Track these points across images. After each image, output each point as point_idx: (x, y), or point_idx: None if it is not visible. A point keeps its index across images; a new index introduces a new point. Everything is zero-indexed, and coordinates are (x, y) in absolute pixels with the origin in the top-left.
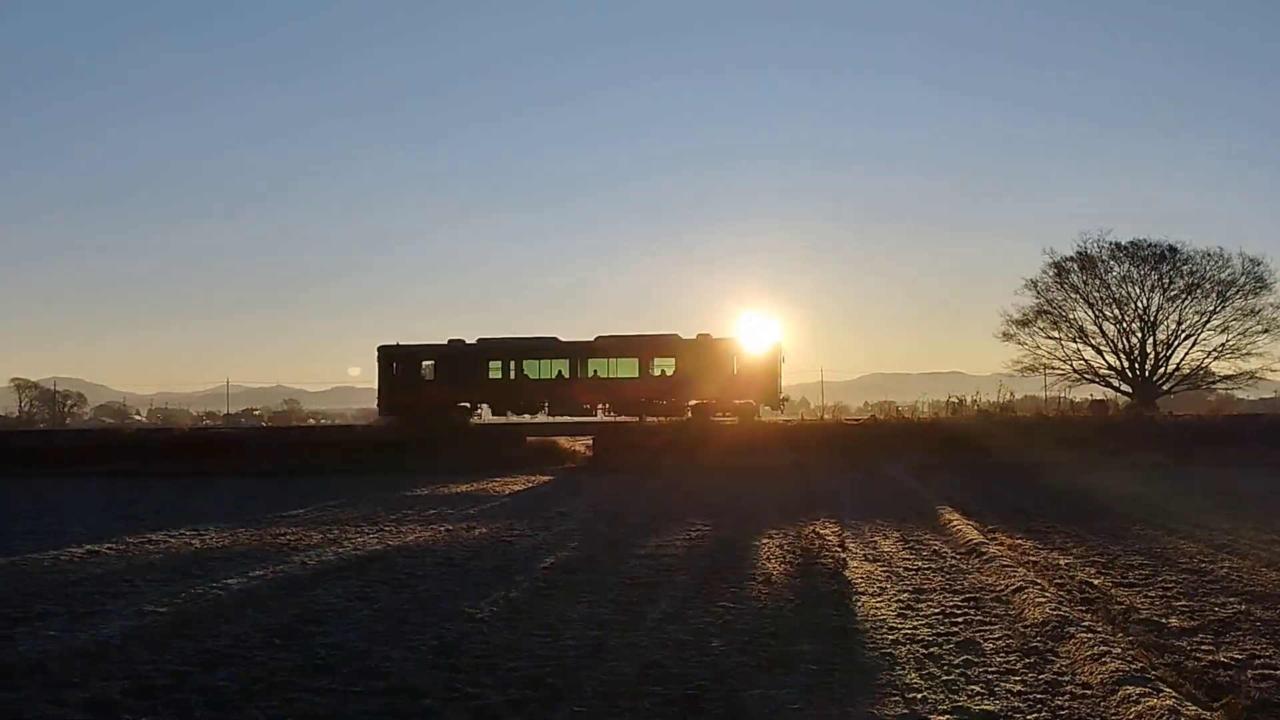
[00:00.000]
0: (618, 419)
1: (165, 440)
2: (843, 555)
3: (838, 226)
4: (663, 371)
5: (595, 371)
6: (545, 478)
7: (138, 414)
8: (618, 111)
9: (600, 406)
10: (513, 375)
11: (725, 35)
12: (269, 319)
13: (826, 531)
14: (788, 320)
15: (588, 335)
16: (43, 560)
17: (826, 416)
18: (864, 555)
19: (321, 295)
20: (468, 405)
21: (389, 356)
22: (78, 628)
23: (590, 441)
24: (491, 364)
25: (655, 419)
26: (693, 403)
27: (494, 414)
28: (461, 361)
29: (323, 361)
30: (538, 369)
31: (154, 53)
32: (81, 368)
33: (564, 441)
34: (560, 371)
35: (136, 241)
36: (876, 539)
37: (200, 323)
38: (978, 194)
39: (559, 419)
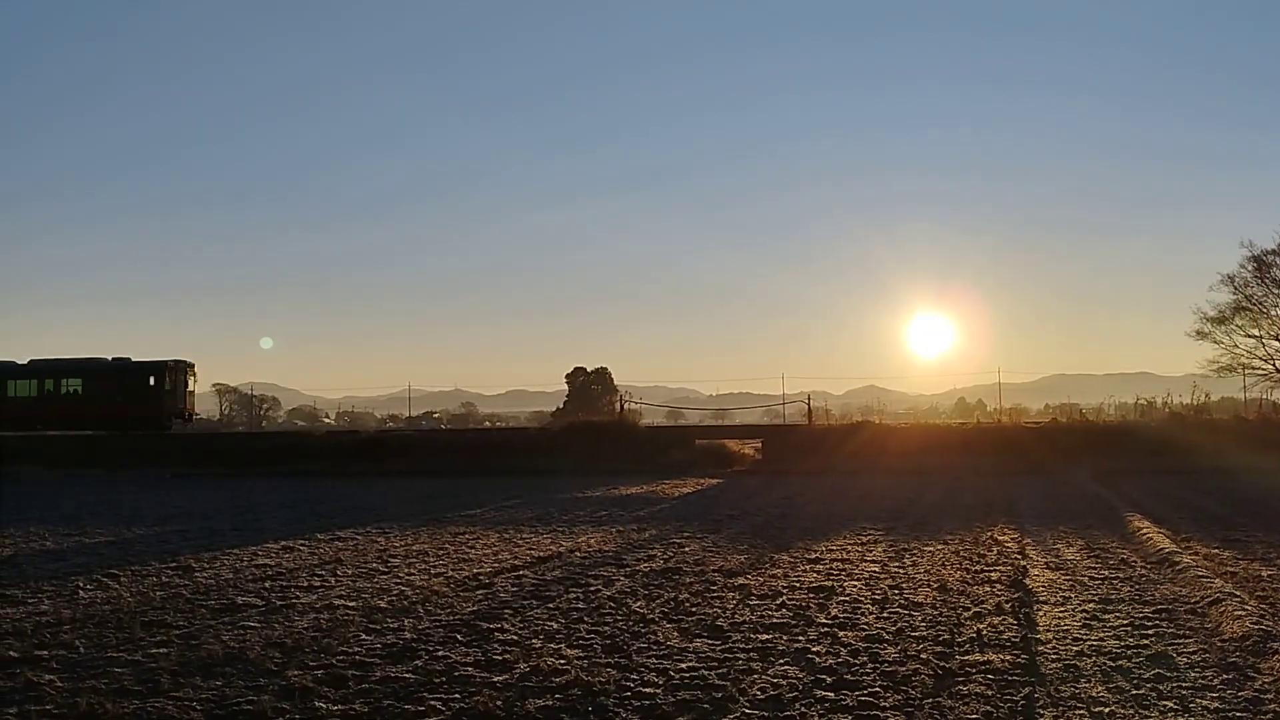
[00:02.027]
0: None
1: (352, 442)
2: (1022, 563)
3: (1015, 228)
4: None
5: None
6: (714, 480)
7: (327, 417)
8: (782, 119)
9: None
10: None
11: (884, 44)
12: (447, 324)
13: (1005, 538)
14: (963, 321)
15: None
16: (243, 555)
17: (1004, 419)
18: (1045, 563)
19: (497, 300)
20: None
21: None
22: (274, 619)
23: (759, 444)
24: None
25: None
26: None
27: None
28: None
29: (498, 366)
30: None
31: (316, 45)
32: (276, 373)
33: (733, 444)
34: None
35: (323, 251)
36: (1059, 546)
37: (383, 329)
38: (1163, 189)
39: None
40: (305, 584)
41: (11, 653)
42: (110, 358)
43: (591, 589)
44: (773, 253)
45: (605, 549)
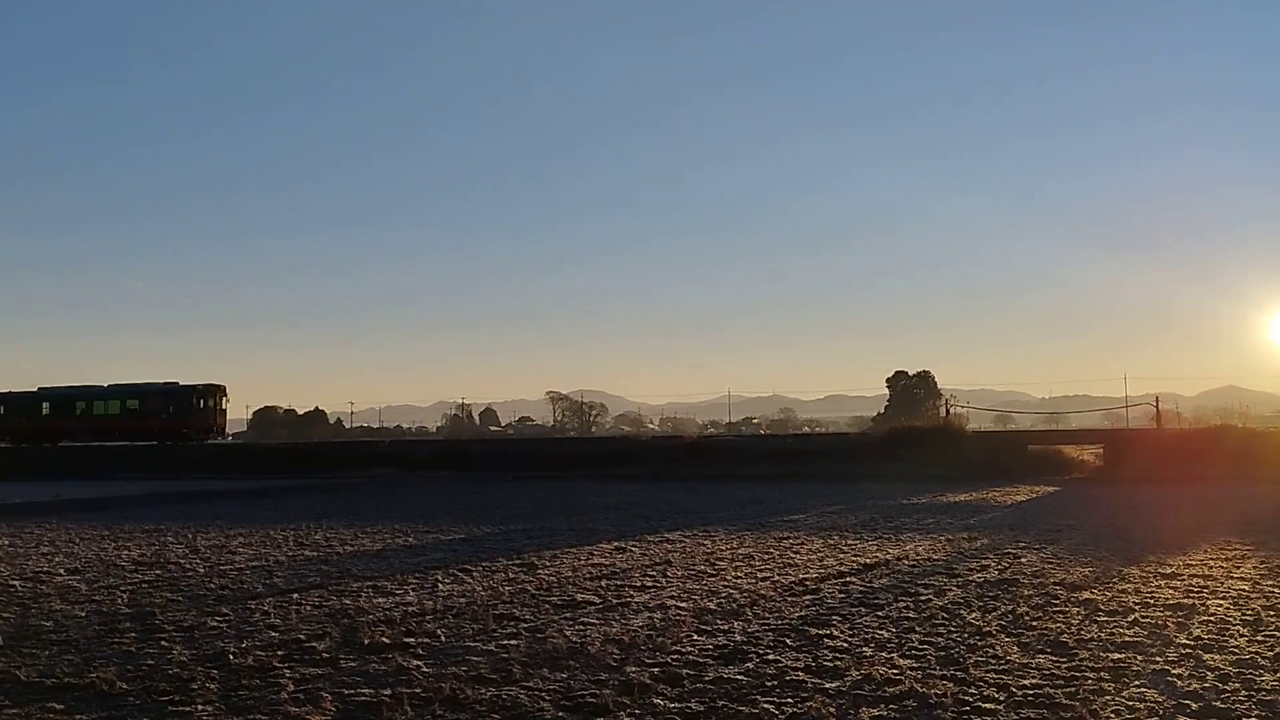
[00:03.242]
0: None
1: (676, 447)
2: None
3: None
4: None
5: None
6: (1050, 488)
7: (651, 422)
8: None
9: None
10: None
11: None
12: (766, 332)
13: None
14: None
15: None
16: (580, 554)
17: None
18: None
19: (815, 307)
20: None
21: None
22: (611, 616)
23: (1100, 450)
24: None
25: None
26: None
27: None
28: None
29: (816, 371)
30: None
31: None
32: (604, 380)
33: (1069, 450)
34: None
35: (646, 260)
36: None
37: (705, 337)
38: None
39: None
40: (638, 583)
41: (384, 639)
42: (161, 382)
43: (922, 598)
44: (1104, 240)
45: (934, 557)
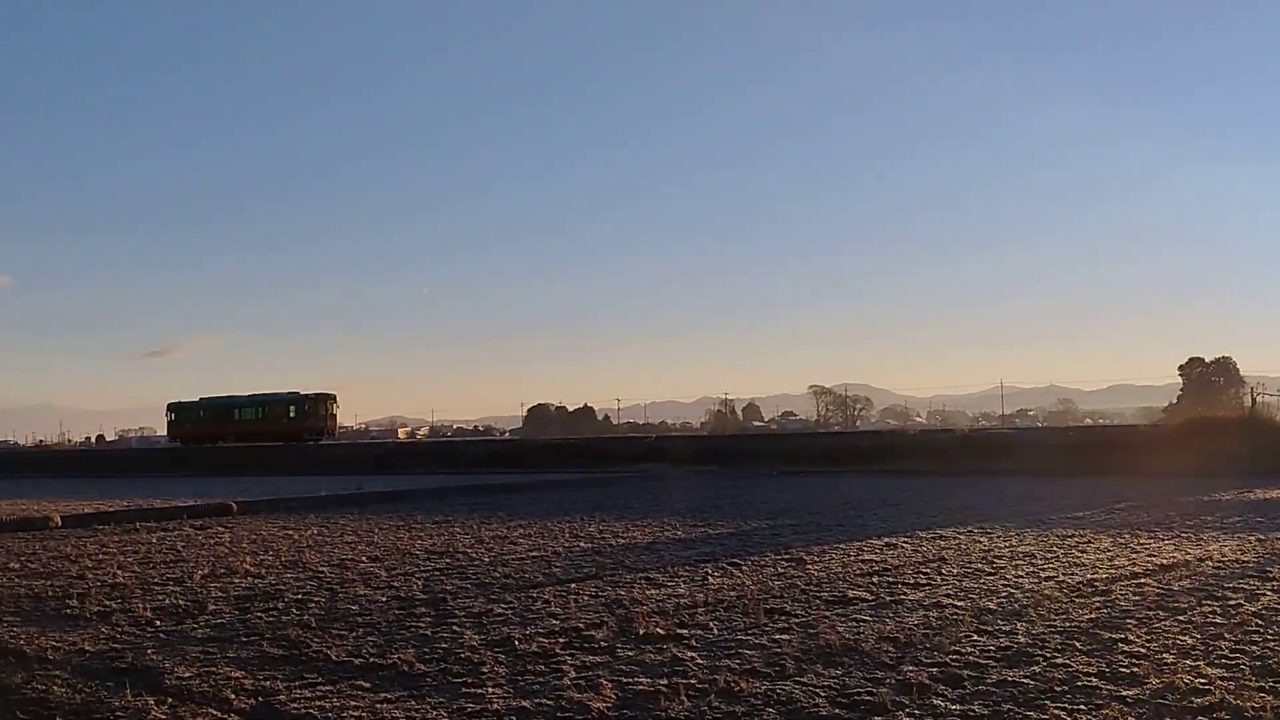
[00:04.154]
0: None
1: (947, 441)
2: None
3: None
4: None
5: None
6: None
7: (918, 416)
8: None
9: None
10: None
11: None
12: (1041, 319)
13: None
14: None
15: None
16: (849, 550)
17: None
18: None
19: (1093, 290)
20: None
21: None
22: (884, 614)
23: None
24: None
25: None
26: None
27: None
28: None
29: (1098, 360)
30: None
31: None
32: (868, 374)
33: None
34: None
35: (911, 249)
36: None
37: (973, 326)
38: None
39: None
40: (911, 581)
41: (658, 630)
42: (285, 392)
43: (1230, 602)
44: None
45: (1243, 559)
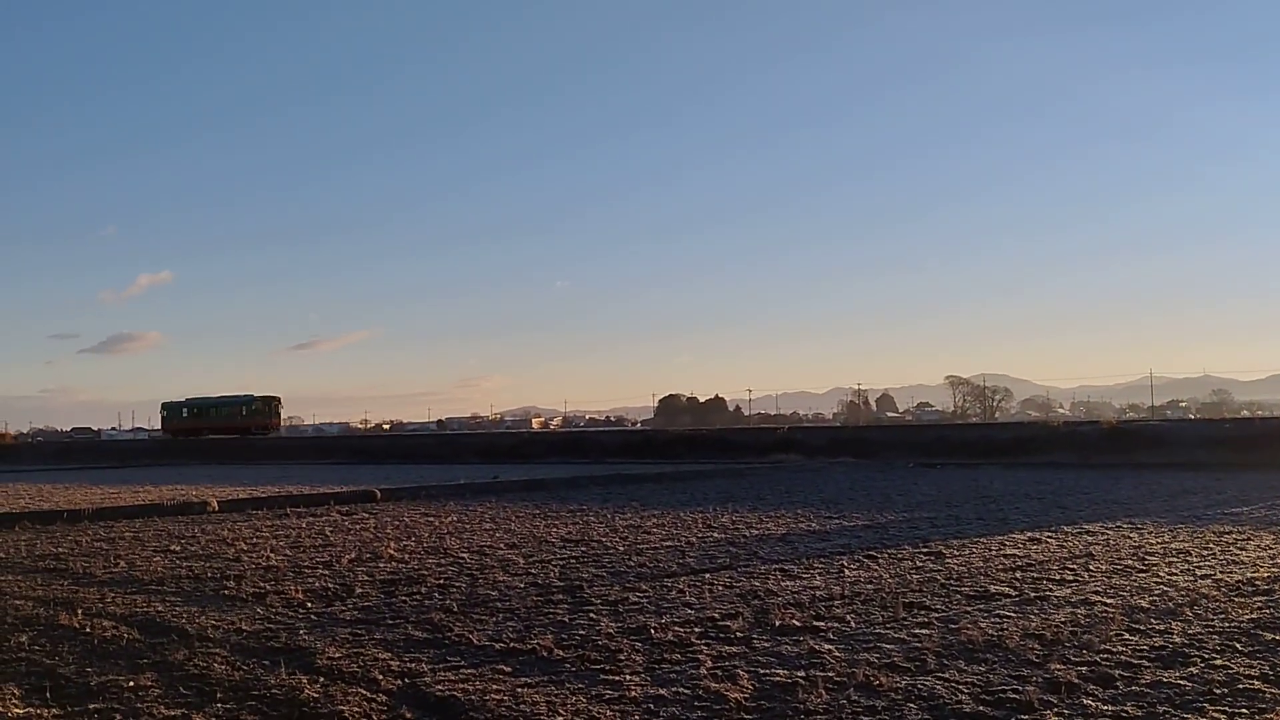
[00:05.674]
0: None
1: (1093, 433)
2: None
3: None
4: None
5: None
6: None
7: (1060, 407)
8: None
9: None
10: None
11: None
12: (1193, 305)
13: None
14: None
15: None
16: (990, 544)
17: None
18: None
19: (1249, 275)
20: None
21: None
22: (1029, 610)
23: None
24: None
25: None
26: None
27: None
28: None
29: (1254, 347)
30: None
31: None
32: (1007, 364)
33: None
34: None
35: (1052, 235)
36: None
37: (1118, 314)
38: None
39: None
40: (1057, 577)
41: (794, 621)
42: (242, 394)
43: None
44: None
45: None
